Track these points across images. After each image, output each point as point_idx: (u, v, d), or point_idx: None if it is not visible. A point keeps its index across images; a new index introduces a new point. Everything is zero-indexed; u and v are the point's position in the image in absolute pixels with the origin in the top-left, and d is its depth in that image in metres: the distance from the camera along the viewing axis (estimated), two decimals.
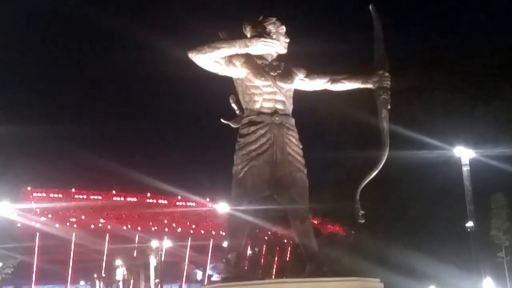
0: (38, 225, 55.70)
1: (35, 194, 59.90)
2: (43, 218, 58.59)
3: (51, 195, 62.48)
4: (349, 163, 30.45)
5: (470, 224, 21.07)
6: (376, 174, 9.27)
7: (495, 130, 27.01)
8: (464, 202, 21.59)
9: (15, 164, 40.01)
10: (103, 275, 55.41)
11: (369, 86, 9.40)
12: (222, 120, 9.36)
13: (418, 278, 28.42)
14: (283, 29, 9.23)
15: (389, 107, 9.30)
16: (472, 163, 22.34)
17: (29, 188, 57.37)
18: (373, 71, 9.34)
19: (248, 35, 9.19)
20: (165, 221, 66.98)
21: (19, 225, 46.27)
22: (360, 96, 10.30)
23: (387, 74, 9.32)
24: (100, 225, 63.22)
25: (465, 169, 21.46)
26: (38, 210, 58.79)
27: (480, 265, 21.78)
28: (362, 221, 9.04)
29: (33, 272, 58.46)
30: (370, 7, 9.50)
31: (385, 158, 9.21)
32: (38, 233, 57.09)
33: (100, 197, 65.25)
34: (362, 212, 9.10)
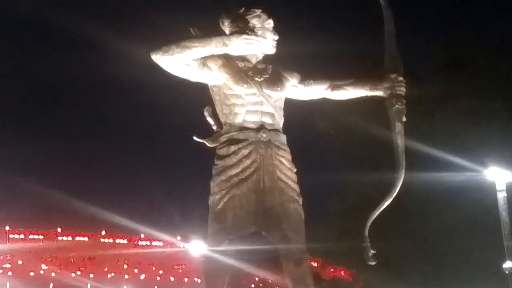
0: None
1: None
2: None
3: None
4: (356, 189, 30.51)
5: (508, 264, 21.13)
6: (390, 203, 9.31)
7: None
8: (500, 236, 21.66)
9: None
10: None
11: (379, 93, 9.47)
12: (196, 138, 9.36)
13: None
14: (270, 23, 9.27)
15: (404, 119, 9.36)
16: (510, 188, 22.48)
17: None
18: (384, 75, 9.43)
19: (227, 31, 9.24)
20: (125, 266, 66.55)
21: None
22: (369, 106, 10.37)
23: (401, 78, 9.40)
24: (41, 272, 62.61)
25: (501, 195, 21.56)
26: None
27: None
28: (373, 263, 9.05)
29: None
30: None
31: (400, 183, 9.25)
32: None
33: (41, 237, 64.86)
34: (372, 251, 9.11)
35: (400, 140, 9.30)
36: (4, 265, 61.17)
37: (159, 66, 8.78)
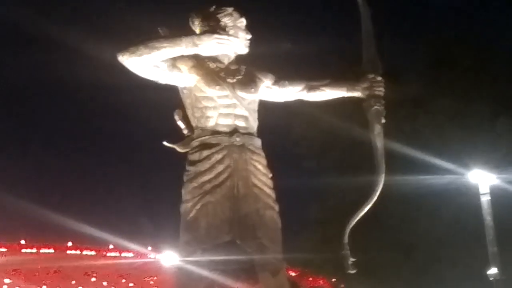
0: None
1: None
2: None
3: None
4: (335, 195, 30.58)
5: (493, 271, 21.26)
6: (370, 208, 9.34)
7: None
8: (484, 242, 21.82)
9: None
10: None
11: (357, 94, 9.50)
12: (166, 143, 9.33)
13: None
14: (242, 22, 9.28)
15: (383, 120, 9.39)
16: (494, 191, 22.63)
17: None
18: (361, 75, 9.45)
19: (197, 31, 9.23)
20: (93, 279, 66.13)
21: None
22: (346, 108, 10.39)
23: (379, 78, 9.42)
24: (4, 287, 62.08)
25: (485, 199, 21.72)
26: None
27: None
28: (353, 271, 9.08)
29: None
30: None
31: (380, 187, 9.28)
32: None
33: (4, 250, 64.27)
34: (352, 259, 9.14)
35: (379, 143, 9.32)
36: None
37: (126, 67, 8.75)
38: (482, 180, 22.28)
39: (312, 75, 9.91)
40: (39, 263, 63.72)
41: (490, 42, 32.29)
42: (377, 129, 9.33)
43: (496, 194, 22.86)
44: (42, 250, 64.10)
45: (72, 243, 64.67)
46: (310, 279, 42.48)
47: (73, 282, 63.07)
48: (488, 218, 21.20)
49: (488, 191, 22.01)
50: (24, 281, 61.88)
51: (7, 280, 61.65)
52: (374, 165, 9.37)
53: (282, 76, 9.56)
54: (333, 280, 37.78)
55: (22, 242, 64.07)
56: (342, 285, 34.62)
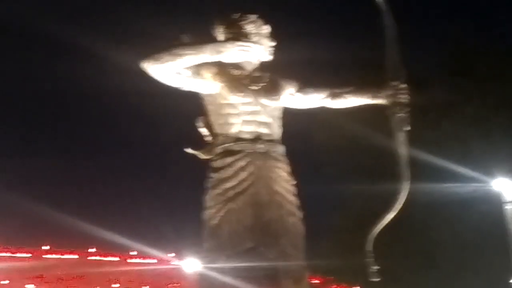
0: None
1: None
2: None
3: None
4: (358, 202, 30.48)
5: None
6: (394, 217, 9.29)
7: None
8: (507, 250, 21.64)
9: None
10: None
11: (381, 101, 9.44)
12: (189, 150, 9.33)
13: None
14: (266, 29, 9.28)
15: (408, 128, 9.32)
16: None
17: None
18: (385, 83, 9.38)
19: (221, 38, 9.24)
20: (116, 285, 66.42)
21: None
22: (370, 115, 10.34)
23: (403, 85, 9.35)
24: None
25: (509, 207, 21.50)
26: None
27: None
28: (377, 279, 9.02)
29: None
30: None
31: (405, 196, 9.22)
32: None
33: (28, 255, 64.80)
34: (376, 267, 9.09)
35: (403, 150, 9.25)
36: None
37: (149, 75, 8.76)
38: (505, 188, 22.08)
39: (335, 82, 9.89)
40: (62, 269, 64.15)
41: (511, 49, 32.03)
42: (401, 136, 9.25)
43: None
44: (66, 256, 64.65)
45: (96, 249, 65.12)
46: (333, 287, 42.34)
47: (96, 287, 63.31)
48: (511, 227, 20.95)
49: (511, 199, 21.77)
50: (47, 286, 62.20)
51: (30, 286, 62.06)
52: (397, 173, 9.30)
53: (306, 83, 9.54)
54: None
55: (46, 248, 64.71)
56: None
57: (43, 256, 64.66)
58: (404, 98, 9.32)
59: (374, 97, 9.47)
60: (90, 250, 65.47)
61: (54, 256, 64.60)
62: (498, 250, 24.87)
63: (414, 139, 9.41)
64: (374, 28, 9.82)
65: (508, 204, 21.80)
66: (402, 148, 9.27)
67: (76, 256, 65.74)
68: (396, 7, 9.56)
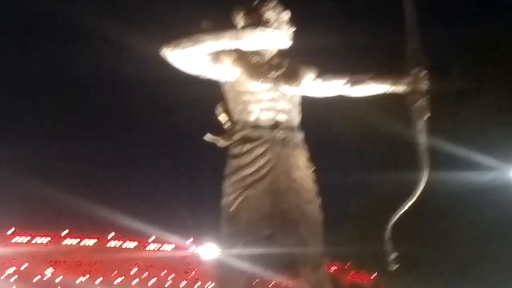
0: None
1: None
2: None
3: None
4: (376, 190, 30.43)
5: None
6: (412, 205, 9.27)
7: None
8: None
9: None
10: None
11: (401, 89, 9.38)
12: (207, 137, 9.33)
13: None
14: (286, 15, 9.25)
15: (427, 116, 9.29)
16: None
17: None
18: (405, 70, 9.34)
19: (240, 25, 9.23)
20: (134, 270, 66.72)
21: None
22: (390, 102, 10.30)
23: (424, 73, 9.30)
24: (47, 277, 62.88)
25: None
26: None
27: None
28: (395, 267, 9.02)
29: None
30: None
31: (423, 184, 9.21)
32: None
33: (47, 240, 65.16)
34: (394, 254, 9.09)
35: (422, 138, 9.22)
36: (8, 270, 61.45)
37: (168, 62, 8.78)
38: None
39: (355, 69, 9.85)
40: (81, 253, 64.50)
41: None
42: (421, 124, 9.21)
43: None
44: (84, 241, 65.03)
45: (114, 235, 65.40)
46: (351, 274, 42.41)
47: (114, 273, 63.65)
48: None
49: None
50: (66, 271, 62.55)
51: (49, 270, 62.47)
52: (416, 161, 9.28)
53: (325, 70, 9.51)
54: (374, 275, 37.63)
55: (65, 232, 65.11)
56: (383, 281, 34.45)
57: (62, 241, 65.13)
58: (424, 85, 9.26)
59: (394, 84, 9.41)
60: (108, 235, 65.83)
61: (72, 241, 65.05)
62: None
63: (433, 127, 9.37)
64: (395, 15, 9.78)
65: None
66: (421, 136, 9.22)
67: (94, 241, 66.12)
68: None
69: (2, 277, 59.74)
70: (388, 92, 9.53)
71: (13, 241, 62.21)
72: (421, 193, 9.20)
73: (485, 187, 26.52)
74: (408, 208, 9.26)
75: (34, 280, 61.55)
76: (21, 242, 61.69)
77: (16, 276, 60.92)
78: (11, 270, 61.89)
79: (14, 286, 59.29)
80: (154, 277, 67.03)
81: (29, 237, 63.37)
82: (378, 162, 31.44)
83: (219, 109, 9.30)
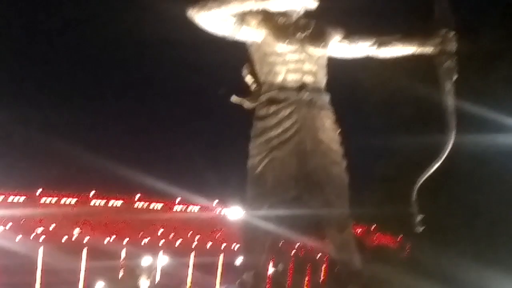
0: None
1: None
2: (0, 228, 59.30)
3: (11, 198, 63.28)
4: (403, 152, 30.30)
5: None
6: (439, 167, 9.26)
7: None
8: None
9: None
10: None
11: (428, 50, 9.32)
12: (233, 99, 9.35)
13: None
14: None
15: (455, 77, 9.22)
16: None
17: None
18: (433, 31, 9.26)
19: None
20: (160, 231, 67.26)
21: None
22: (417, 64, 10.23)
23: (452, 33, 9.23)
24: (75, 237, 63.63)
25: None
26: None
27: None
28: (420, 229, 9.04)
29: None
30: None
31: (450, 146, 9.18)
32: None
33: (74, 201, 65.85)
34: (420, 217, 9.10)
35: (450, 100, 9.17)
36: (37, 230, 62.21)
37: (195, 23, 8.77)
38: None
39: (382, 30, 9.79)
40: (108, 214, 65.06)
41: None
42: (448, 86, 9.15)
43: None
44: (111, 202, 65.58)
45: (140, 196, 65.84)
46: (376, 236, 42.49)
47: (141, 234, 64.17)
48: None
49: None
50: (92, 232, 63.19)
51: (76, 230, 63.16)
52: (443, 123, 9.24)
53: (352, 31, 9.46)
54: (399, 238, 37.67)
55: (92, 193, 65.71)
56: (408, 243, 34.47)
57: (89, 201, 65.73)
58: (452, 46, 9.20)
59: (421, 45, 9.35)
60: (135, 196, 66.28)
61: (100, 201, 65.61)
62: None
63: (461, 89, 9.31)
64: None
65: None
66: (449, 97, 9.18)
67: (121, 202, 66.62)
68: None
69: (31, 237, 60.53)
70: (416, 53, 9.48)
71: (41, 201, 63.03)
72: (448, 155, 9.18)
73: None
74: (434, 170, 9.26)
75: (62, 240, 62.34)
76: (49, 203, 62.33)
77: (44, 236, 61.64)
78: (39, 230, 62.69)
79: (42, 246, 60.06)
80: (180, 238, 67.53)
81: (56, 198, 64.09)
82: (404, 124, 31.26)
83: (245, 70, 9.30)
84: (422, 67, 9.83)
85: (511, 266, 26.84)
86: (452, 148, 9.15)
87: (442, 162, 9.20)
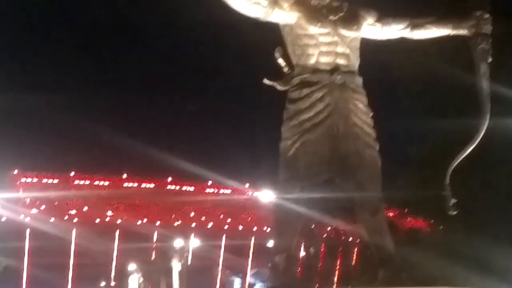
0: (28, 220, 56.96)
1: (23, 180, 61.04)
2: (34, 211, 59.81)
3: (44, 180, 63.74)
4: (436, 135, 30.11)
5: None
6: (473, 150, 9.24)
7: None
8: None
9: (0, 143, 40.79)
10: (112, 283, 56.50)
11: (463, 32, 9.29)
12: (266, 81, 9.36)
13: None
14: None
15: (490, 60, 9.17)
16: None
17: (15, 172, 58.46)
18: (468, 12, 9.22)
19: None
20: (192, 214, 67.50)
21: (3, 219, 47.26)
22: (452, 46, 10.16)
23: (487, 15, 9.18)
24: (107, 219, 64.07)
25: None
26: (27, 200, 60.03)
27: None
28: (454, 213, 9.03)
29: (22, 280, 60.00)
30: None
31: (484, 129, 9.14)
32: (28, 230, 58.44)
33: (107, 183, 66.19)
34: (453, 200, 9.08)
35: (485, 83, 9.13)
36: (70, 212, 62.74)
37: (228, 6, 8.78)
38: None
39: (415, 12, 9.75)
40: (140, 197, 65.40)
41: None
42: (483, 68, 9.12)
43: None
44: (143, 185, 65.91)
45: (172, 179, 65.97)
46: (408, 220, 42.34)
47: (173, 216, 64.44)
48: None
49: None
50: (124, 214, 63.62)
51: (109, 212, 63.64)
52: (477, 106, 9.20)
53: (385, 13, 9.43)
54: (432, 221, 37.52)
55: (124, 176, 66.07)
56: (441, 227, 34.32)
57: (122, 184, 65.99)
58: (487, 28, 9.15)
59: (455, 27, 9.31)
60: (167, 179, 66.50)
61: (132, 184, 65.99)
62: None
63: (497, 71, 9.25)
64: None
65: None
66: (484, 81, 9.13)
67: (153, 185, 66.94)
68: None
69: (65, 218, 61.15)
70: (451, 35, 9.44)
71: (74, 184, 63.62)
72: (482, 139, 9.15)
73: None
74: (467, 154, 9.23)
75: (96, 222, 62.94)
76: (82, 185, 62.83)
77: (77, 219, 62.19)
78: (72, 212, 63.25)
79: (75, 228, 60.67)
80: (211, 221, 67.78)
81: (89, 181, 64.58)
82: (438, 107, 31.07)
83: (277, 53, 9.30)
84: (457, 50, 9.76)
85: None
86: (486, 132, 9.12)
87: (475, 146, 9.18)
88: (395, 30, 9.47)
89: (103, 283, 55.13)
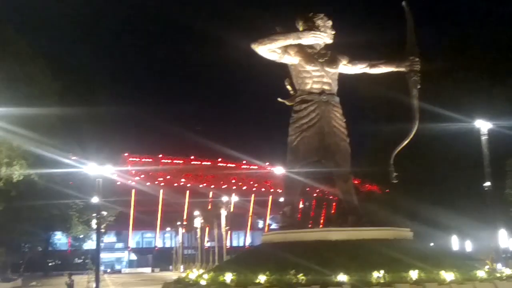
0: (133, 183, 57.48)
1: (131, 159, 62.66)
2: (137, 178, 60.53)
3: (144, 160, 65.40)
4: (385, 133, 29.89)
5: (487, 184, 20.30)
6: (408, 143, 9.18)
7: (510, 105, 25.79)
8: (482, 165, 20.84)
9: (116, 136, 41.21)
10: (185, 223, 56.75)
11: (402, 69, 9.21)
12: (279, 99, 9.38)
13: (443, 229, 27.78)
14: (329, 23, 9.12)
15: (419, 86, 9.11)
16: (490, 133, 21.41)
17: (126, 154, 59.69)
18: (405, 57, 9.13)
19: (300, 29, 9.14)
20: (233, 181, 68.13)
21: (118, 183, 47.74)
22: (394, 78, 10.07)
23: (417, 59, 9.10)
24: (181, 183, 64.82)
25: (484, 138, 20.48)
26: (133, 172, 61.08)
27: (496, 219, 21.03)
28: (395, 181, 8.97)
29: (130, 220, 60.64)
30: (403, 3, 9.16)
31: (415, 129, 9.08)
32: (133, 190, 58.97)
33: (181, 162, 67.71)
34: (395, 173, 9.03)
35: (415, 101, 9.09)
36: (159, 179, 63.84)
37: (256, 52, 8.81)
38: (482, 126, 20.97)
39: (373, 57, 9.71)
40: (201, 171, 66.54)
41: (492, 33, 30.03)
42: (414, 92, 9.09)
43: (492, 135, 21.46)
44: (203, 163, 67.18)
45: (221, 159, 67.18)
46: (367, 185, 42.07)
47: (221, 182, 65.18)
48: (485, 150, 19.82)
49: (486, 132, 20.67)
50: (192, 181, 64.47)
51: (183, 180, 64.54)
52: (411, 116, 9.15)
53: (354, 57, 9.39)
54: (381, 186, 37.20)
55: (192, 157, 67.29)
56: (387, 190, 34.00)
57: (190, 162, 67.60)
58: (417, 67, 9.10)
59: (398, 66, 9.26)
60: (217, 160, 67.81)
61: (196, 163, 67.46)
62: (476, 166, 23.92)
63: (422, 94, 9.20)
64: (400, 21, 9.49)
65: (484, 135, 20.78)
66: (415, 100, 9.10)
67: (209, 163, 68.12)
68: (415, 7, 9.21)
69: (155, 183, 61.97)
70: (394, 71, 9.38)
71: (161, 162, 65.19)
72: (414, 135, 9.13)
73: (455, 132, 25.63)
74: (405, 145, 9.19)
75: (174, 185, 63.56)
76: (166, 162, 64.50)
77: (163, 184, 63.01)
78: (160, 179, 64.12)
79: (162, 189, 61.37)
80: (245, 186, 68.27)
81: (170, 160, 65.85)
82: (387, 116, 30.82)
83: (286, 81, 9.33)
84: (398, 80, 9.69)
85: (454, 206, 26.39)
86: (416, 131, 9.09)
87: (410, 140, 9.14)
88: (360, 68, 9.42)
89: (178, 223, 55.50)
